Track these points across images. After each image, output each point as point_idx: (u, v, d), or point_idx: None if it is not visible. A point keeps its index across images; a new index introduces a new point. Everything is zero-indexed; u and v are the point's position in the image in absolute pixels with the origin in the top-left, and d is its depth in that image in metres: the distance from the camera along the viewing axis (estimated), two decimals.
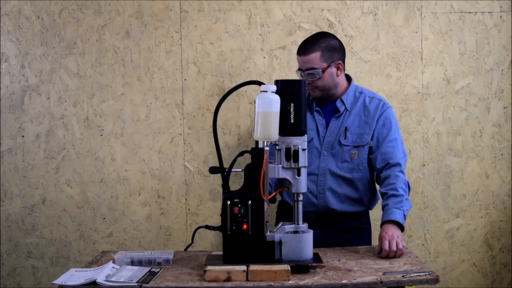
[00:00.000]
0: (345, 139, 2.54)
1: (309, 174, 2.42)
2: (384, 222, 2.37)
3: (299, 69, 2.54)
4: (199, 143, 3.16)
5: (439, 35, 3.21)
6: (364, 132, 2.55)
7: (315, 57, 2.49)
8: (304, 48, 2.52)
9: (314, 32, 3.16)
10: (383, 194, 2.48)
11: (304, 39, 2.61)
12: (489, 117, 3.24)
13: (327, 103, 2.59)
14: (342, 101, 2.58)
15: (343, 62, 2.59)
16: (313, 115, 2.59)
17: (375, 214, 3.23)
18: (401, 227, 2.34)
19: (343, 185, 2.56)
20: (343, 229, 2.58)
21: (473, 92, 3.23)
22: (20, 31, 3.14)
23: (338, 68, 2.55)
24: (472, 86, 3.23)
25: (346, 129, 2.55)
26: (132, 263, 2.17)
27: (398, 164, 2.50)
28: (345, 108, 2.57)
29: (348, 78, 2.66)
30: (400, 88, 3.21)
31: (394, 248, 2.23)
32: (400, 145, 2.58)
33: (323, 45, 2.51)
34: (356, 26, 3.18)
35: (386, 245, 2.24)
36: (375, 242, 3.08)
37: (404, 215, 2.39)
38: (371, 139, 2.55)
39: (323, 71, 2.50)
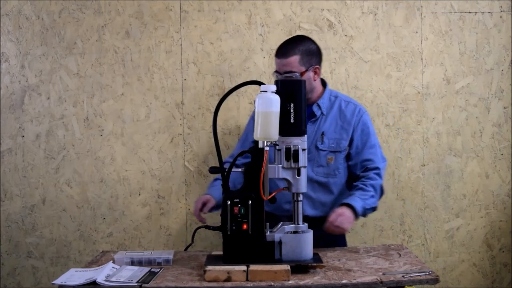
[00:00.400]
0: (322, 143, 2.52)
1: None
2: (342, 204, 2.39)
3: (276, 71, 2.51)
4: (199, 143, 3.16)
5: (439, 35, 3.21)
6: (341, 137, 2.55)
7: (294, 60, 2.46)
8: (284, 50, 2.48)
9: (314, 32, 3.17)
10: (353, 187, 2.51)
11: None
12: (489, 117, 3.24)
13: (307, 108, 2.54)
14: (318, 105, 2.56)
15: (320, 66, 2.57)
16: None
17: (376, 214, 3.23)
18: (357, 215, 2.37)
19: (318, 190, 2.54)
20: (315, 234, 2.53)
21: (473, 92, 3.23)
22: (20, 31, 3.14)
23: (315, 73, 2.53)
24: (472, 86, 3.23)
25: (323, 133, 2.53)
26: (132, 263, 2.18)
27: (376, 168, 2.54)
28: (321, 112, 2.56)
29: (323, 83, 2.65)
30: (400, 88, 3.21)
31: (336, 223, 2.27)
32: (378, 150, 2.60)
33: (303, 48, 2.48)
34: (356, 26, 3.18)
35: (332, 217, 2.29)
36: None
37: (365, 208, 2.41)
38: (349, 145, 2.55)
39: (301, 74, 2.46)
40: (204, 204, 2.43)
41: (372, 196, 2.46)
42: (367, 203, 2.42)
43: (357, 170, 2.56)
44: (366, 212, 2.44)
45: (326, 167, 2.53)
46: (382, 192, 2.56)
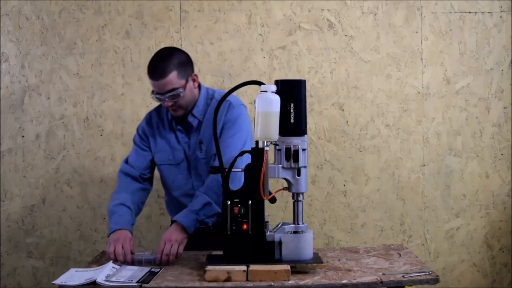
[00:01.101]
0: (201, 152, 2.43)
1: (188, 195, 2.41)
2: (173, 221, 2.29)
3: (156, 93, 2.34)
4: None
5: (439, 35, 3.21)
6: (211, 141, 2.40)
7: (173, 77, 2.31)
8: (159, 71, 2.31)
9: (314, 32, 3.17)
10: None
11: (181, 55, 2.40)
12: (489, 117, 3.24)
13: (183, 120, 2.45)
14: (193, 115, 2.44)
15: (194, 72, 2.45)
16: (176, 135, 2.47)
17: (376, 214, 3.24)
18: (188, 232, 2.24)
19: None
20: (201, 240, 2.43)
21: (473, 92, 3.24)
22: (20, 31, 3.14)
23: (194, 80, 2.41)
24: (472, 86, 3.23)
25: (200, 142, 2.43)
26: (133, 263, 2.17)
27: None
28: (198, 120, 2.44)
29: (198, 86, 2.49)
30: (400, 88, 3.21)
31: (167, 251, 2.16)
32: (233, 147, 2.32)
33: (176, 62, 2.33)
34: (356, 26, 3.18)
35: (161, 247, 2.18)
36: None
37: (198, 220, 2.25)
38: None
39: (184, 88, 2.35)
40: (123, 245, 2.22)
41: (207, 204, 2.27)
42: (200, 214, 2.26)
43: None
44: (205, 222, 2.29)
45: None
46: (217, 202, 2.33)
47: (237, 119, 2.42)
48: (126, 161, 2.54)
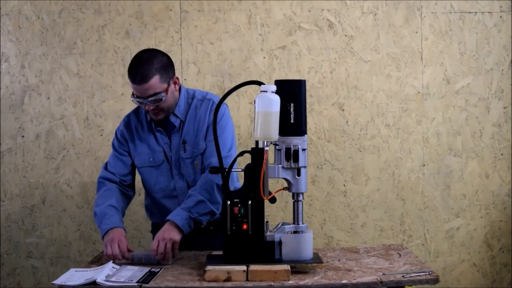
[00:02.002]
0: (185, 152, 2.39)
1: (170, 197, 2.40)
2: (167, 220, 2.25)
3: (137, 96, 2.29)
4: None
5: (439, 35, 3.21)
6: (198, 138, 2.40)
7: (155, 81, 2.27)
8: (141, 75, 2.26)
9: (314, 32, 3.17)
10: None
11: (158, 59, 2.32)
12: (489, 117, 3.24)
13: (164, 121, 2.42)
14: (175, 115, 2.40)
15: (175, 75, 2.41)
16: (156, 136, 2.43)
17: (376, 214, 3.24)
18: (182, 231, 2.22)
19: None
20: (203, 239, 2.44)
21: (473, 92, 3.24)
22: (20, 31, 3.14)
23: (175, 83, 2.38)
24: (472, 86, 3.23)
25: (184, 142, 2.39)
26: (132, 261, 2.17)
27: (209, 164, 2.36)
28: (180, 120, 2.41)
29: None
30: (400, 88, 3.21)
31: (161, 249, 2.15)
32: (224, 145, 2.34)
33: (158, 66, 2.29)
34: (356, 26, 3.18)
35: (154, 245, 2.17)
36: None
37: (191, 218, 2.24)
38: (206, 142, 2.40)
39: (166, 92, 2.31)
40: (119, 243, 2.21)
41: (199, 202, 2.26)
42: (193, 212, 2.25)
43: (203, 167, 2.40)
44: (199, 220, 2.27)
45: (196, 173, 2.40)
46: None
47: (222, 117, 2.40)
48: (106, 167, 2.49)
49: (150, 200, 2.52)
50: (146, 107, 2.33)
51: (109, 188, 2.42)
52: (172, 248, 2.18)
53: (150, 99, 2.28)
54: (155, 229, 2.59)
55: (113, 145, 2.51)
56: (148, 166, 2.45)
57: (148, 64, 2.28)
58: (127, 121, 2.50)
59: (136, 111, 2.51)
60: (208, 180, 2.28)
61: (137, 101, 2.32)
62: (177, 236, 2.20)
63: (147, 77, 2.26)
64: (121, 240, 2.21)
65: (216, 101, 2.40)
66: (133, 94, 2.32)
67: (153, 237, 2.63)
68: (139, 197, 3.18)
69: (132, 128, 2.47)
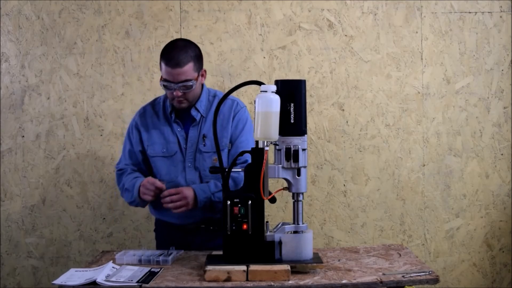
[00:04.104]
0: (204, 146, 2.45)
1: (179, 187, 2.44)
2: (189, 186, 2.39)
3: (168, 81, 2.37)
4: None
5: (439, 35, 3.21)
6: (222, 135, 2.45)
7: (190, 68, 2.36)
8: (177, 59, 2.34)
9: (314, 32, 3.17)
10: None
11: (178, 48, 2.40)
12: (489, 117, 3.24)
13: (184, 113, 2.49)
14: (196, 109, 2.47)
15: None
16: (172, 127, 2.49)
17: (376, 214, 3.24)
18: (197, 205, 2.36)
19: None
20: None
21: (473, 92, 3.24)
22: (20, 31, 3.14)
23: (202, 76, 2.47)
24: (472, 86, 3.23)
25: (204, 136, 2.46)
26: (134, 256, 2.18)
27: (245, 161, 2.40)
28: (201, 115, 2.48)
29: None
30: (400, 88, 3.21)
31: (174, 199, 2.29)
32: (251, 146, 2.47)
33: (193, 54, 2.39)
34: (356, 26, 3.18)
35: (172, 191, 2.31)
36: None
37: (209, 199, 2.36)
38: (230, 141, 2.48)
39: (196, 81, 2.40)
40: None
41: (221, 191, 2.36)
42: (215, 196, 2.37)
43: (229, 164, 2.40)
44: (214, 205, 2.38)
45: None
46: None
47: (247, 120, 2.51)
48: (118, 165, 2.60)
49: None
50: (175, 93, 2.38)
51: (130, 172, 2.52)
52: (178, 207, 2.29)
53: (180, 84, 2.36)
54: (159, 227, 2.61)
55: (128, 139, 2.58)
56: (161, 156, 2.49)
57: (184, 51, 2.37)
58: (142, 112, 2.57)
59: (152, 103, 2.58)
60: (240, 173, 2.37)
61: (167, 86, 2.38)
62: (191, 205, 2.32)
63: (182, 63, 2.34)
64: (147, 180, 2.36)
65: (240, 103, 2.53)
66: (164, 79, 2.38)
67: (156, 236, 2.65)
68: None
69: (148, 119, 2.53)
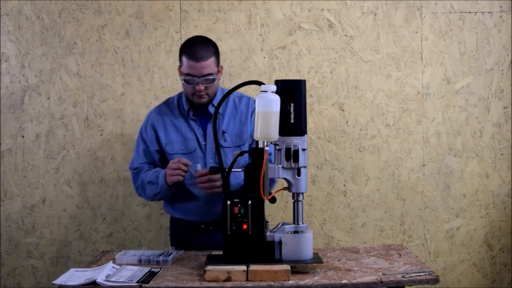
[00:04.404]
0: (225, 141, 2.50)
1: None
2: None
3: (191, 75, 2.42)
4: None
5: (439, 35, 3.21)
6: (241, 131, 2.53)
7: (212, 62, 2.43)
8: (200, 53, 2.41)
9: (314, 32, 3.17)
10: None
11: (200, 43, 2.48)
12: (489, 117, 3.24)
13: (200, 111, 2.54)
14: (214, 105, 2.52)
15: None
16: (189, 125, 2.54)
17: (376, 214, 3.24)
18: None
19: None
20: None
21: (473, 92, 3.24)
22: (20, 31, 3.14)
23: (219, 72, 2.52)
24: (472, 86, 3.23)
25: (223, 132, 2.51)
26: (134, 256, 2.18)
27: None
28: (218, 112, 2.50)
29: None
30: (400, 88, 3.21)
31: (210, 186, 2.32)
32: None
33: (213, 49, 2.46)
34: (356, 26, 3.18)
35: (206, 179, 2.33)
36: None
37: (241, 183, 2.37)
38: (250, 136, 2.55)
39: (217, 75, 2.47)
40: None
41: None
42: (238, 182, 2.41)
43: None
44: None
45: None
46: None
47: None
48: (131, 164, 2.61)
49: (176, 189, 2.55)
50: (197, 87, 2.42)
51: (147, 169, 2.54)
52: (213, 187, 2.32)
53: (203, 78, 2.41)
54: (175, 226, 2.63)
55: (142, 138, 2.60)
56: (180, 153, 2.51)
57: (205, 45, 2.45)
58: (158, 111, 2.61)
59: (166, 103, 2.62)
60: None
61: (189, 80, 2.42)
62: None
63: (206, 56, 2.41)
64: (171, 161, 2.37)
65: (252, 99, 2.59)
66: (186, 74, 2.41)
67: (172, 236, 2.68)
68: (139, 197, 3.17)
69: (164, 117, 2.57)
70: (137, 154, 2.60)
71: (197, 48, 2.42)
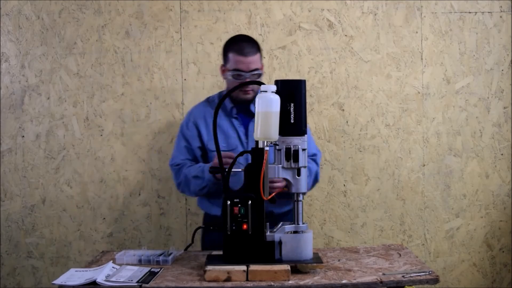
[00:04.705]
0: None
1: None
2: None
3: (240, 70, 2.47)
4: None
5: (439, 35, 3.21)
6: None
7: (258, 57, 2.51)
8: (249, 48, 2.49)
9: (314, 32, 3.17)
10: None
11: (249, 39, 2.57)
12: (489, 117, 3.24)
13: (241, 109, 2.58)
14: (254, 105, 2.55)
15: None
16: (232, 123, 2.57)
17: (376, 214, 3.24)
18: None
19: None
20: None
21: (473, 92, 3.24)
22: (20, 31, 3.14)
23: (262, 68, 2.58)
24: (472, 86, 3.23)
25: None
26: (134, 256, 2.18)
27: (313, 154, 2.60)
28: None
29: None
30: (400, 88, 3.21)
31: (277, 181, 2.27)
32: (312, 141, 2.67)
33: (257, 46, 2.54)
34: (356, 26, 3.18)
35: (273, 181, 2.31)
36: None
37: None
38: None
39: (261, 71, 2.53)
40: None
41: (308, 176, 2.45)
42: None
43: None
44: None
45: None
46: (316, 179, 2.60)
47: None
48: (172, 161, 2.62)
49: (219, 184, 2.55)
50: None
51: (190, 164, 2.55)
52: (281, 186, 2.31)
53: (251, 73, 2.46)
54: (208, 221, 2.62)
55: (181, 134, 2.62)
56: (222, 150, 2.49)
57: (251, 42, 2.53)
58: (199, 108, 2.65)
59: (206, 101, 2.67)
60: (312, 164, 2.54)
61: (239, 75, 2.46)
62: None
63: (252, 52, 2.49)
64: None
65: None
66: (234, 69, 2.46)
67: (204, 235, 2.67)
68: (139, 197, 3.18)
69: (206, 114, 2.61)
70: (178, 151, 2.62)
71: (244, 44, 2.50)
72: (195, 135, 2.58)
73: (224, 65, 2.56)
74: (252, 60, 2.47)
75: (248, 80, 2.44)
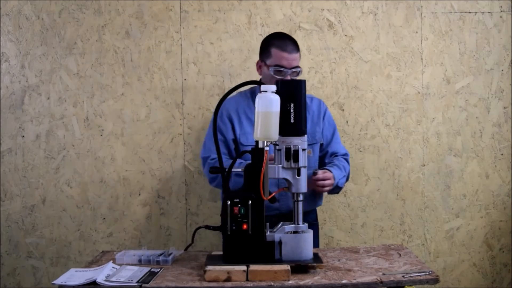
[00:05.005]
0: None
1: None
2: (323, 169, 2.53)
3: (281, 66, 2.51)
4: (199, 143, 3.16)
5: (439, 35, 3.21)
6: (314, 130, 2.63)
7: (299, 56, 2.57)
8: (292, 46, 2.54)
9: (314, 32, 3.17)
10: (327, 164, 2.62)
11: (288, 37, 2.61)
12: (489, 117, 3.24)
13: None
14: None
15: None
16: None
17: (376, 214, 3.24)
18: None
19: None
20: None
21: (473, 92, 3.24)
22: (20, 31, 3.14)
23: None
24: (472, 86, 3.23)
25: None
26: (134, 256, 2.18)
27: (346, 154, 2.70)
28: None
29: None
30: (400, 88, 3.21)
31: (324, 184, 2.42)
32: (340, 142, 2.77)
33: (298, 45, 2.58)
34: (356, 26, 3.18)
35: (319, 175, 2.42)
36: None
37: (337, 184, 2.51)
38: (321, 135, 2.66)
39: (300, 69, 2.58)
40: None
41: (344, 177, 2.58)
42: (340, 181, 2.54)
43: (326, 159, 2.69)
44: (334, 189, 2.54)
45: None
46: (347, 179, 2.65)
47: (331, 118, 2.76)
48: (207, 157, 2.62)
49: None
50: (285, 78, 2.50)
51: (225, 159, 2.53)
52: (327, 185, 2.44)
53: (292, 70, 2.51)
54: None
55: (215, 126, 2.51)
56: (253, 145, 2.49)
57: (293, 40, 2.57)
58: (231, 102, 2.65)
59: (239, 95, 2.68)
60: (347, 164, 2.64)
61: (280, 71, 2.50)
62: (332, 183, 2.47)
63: (295, 49, 2.54)
64: None
65: (321, 100, 2.75)
66: (276, 65, 2.50)
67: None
68: (139, 197, 3.18)
69: (239, 109, 2.63)
70: (212, 144, 2.56)
71: (288, 41, 2.54)
72: (230, 128, 2.60)
73: (262, 60, 2.59)
74: (295, 57, 2.52)
75: (288, 76, 2.50)
